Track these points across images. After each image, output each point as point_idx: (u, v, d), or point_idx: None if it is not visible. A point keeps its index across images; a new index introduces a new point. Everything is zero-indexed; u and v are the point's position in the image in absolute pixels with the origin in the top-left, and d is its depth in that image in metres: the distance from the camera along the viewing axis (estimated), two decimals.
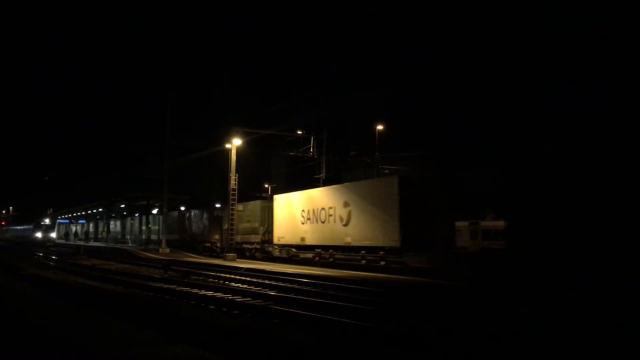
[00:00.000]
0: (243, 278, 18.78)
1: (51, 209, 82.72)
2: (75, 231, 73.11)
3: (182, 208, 47.46)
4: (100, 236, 63.87)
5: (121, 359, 5.87)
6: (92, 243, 56.48)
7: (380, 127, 37.38)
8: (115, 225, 63.45)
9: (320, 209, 25.38)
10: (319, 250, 25.09)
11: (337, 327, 9.42)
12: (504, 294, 13.93)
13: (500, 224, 21.26)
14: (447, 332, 9.05)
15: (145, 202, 48.46)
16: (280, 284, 16.99)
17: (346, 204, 23.67)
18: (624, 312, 10.87)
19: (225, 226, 31.86)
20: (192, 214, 41.75)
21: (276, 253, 28.62)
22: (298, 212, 27.16)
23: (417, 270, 19.14)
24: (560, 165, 16.21)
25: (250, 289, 15.77)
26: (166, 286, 16.40)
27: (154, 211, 50.51)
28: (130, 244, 52.31)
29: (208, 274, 20.46)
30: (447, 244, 20.14)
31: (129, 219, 59.01)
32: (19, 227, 70.05)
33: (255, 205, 31.91)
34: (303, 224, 26.66)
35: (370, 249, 21.86)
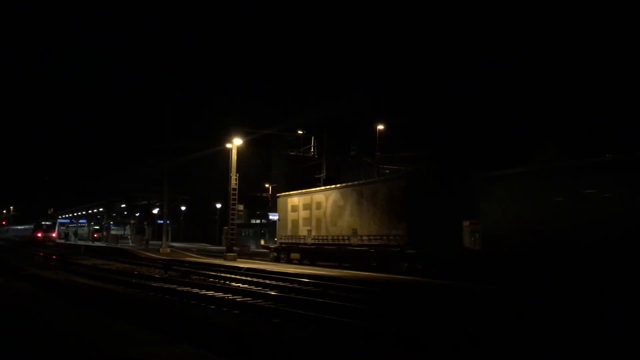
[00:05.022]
0: (243, 278, 18.76)
1: (51, 209, 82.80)
2: (76, 231, 73.11)
3: (183, 208, 47.47)
4: (100, 236, 63.89)
5: (121, 359, 5.84)
6: (92, 242, 56.49)
7: (380, 127, 37.38)
8: (115, 225, 63.43)
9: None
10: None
11: (338, 327, 9.40)
12: (503, 293, 13.90)
13: None
14: (445, 332, 9.02)
15: (145, 202, 48.48)
16: (281, 283, 16.96)
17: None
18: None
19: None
20: None
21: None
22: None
23: (418, 270, 19.10)
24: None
25: (250, 288, 15.74)
26: (166, 286, 16.37)
27: (155, 211, 50.55)
28: (131, 244, 52.31)
29: (208, 274, 20.43)
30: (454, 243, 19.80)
31: (129, 218, 59.08)
32: (19, 227, 70.02)
33: None
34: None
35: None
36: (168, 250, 36.67)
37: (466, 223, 22.52)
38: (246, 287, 16.13)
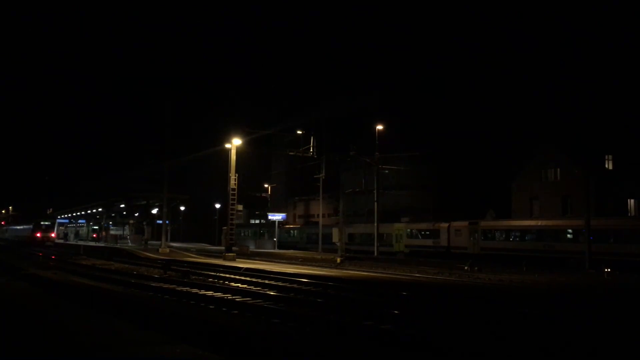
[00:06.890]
0: (243, 278, 18.76)
1: (51, 209, 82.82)
2: (76, 231, 73.06)
3: (182, 208, 47.45)
4: (100, 236, 63.86)
5: (121, 358, 5.87)
6: (91, 242, 56.47)
7: (379, 127, 37.39)
8: (114, 225, 63.32)
9: None
10: None
11: (337, 326, 9.42)
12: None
13: (503, 223, 20.92)
14: (444, 332, 9.06)
15: (144, 202, 48.41)
16: (280, 283, 16.96)
17: None
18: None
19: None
20: None
21: None
22: None
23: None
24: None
25: (250, 288, 15.75)
26: (166, 286, 16.37)
27: (154, 211, 50.50)
28: (130, 244, 52.28)
29: (208, 274, 20.43)
30: None
31: (128, 218, 59.03)
32: (18, 227, 69.96)
33: None
34: None
35: None
36: (167, 250, 36.64)
37: (465, 223, 22.43)
38: (245, 287, 16.13)
